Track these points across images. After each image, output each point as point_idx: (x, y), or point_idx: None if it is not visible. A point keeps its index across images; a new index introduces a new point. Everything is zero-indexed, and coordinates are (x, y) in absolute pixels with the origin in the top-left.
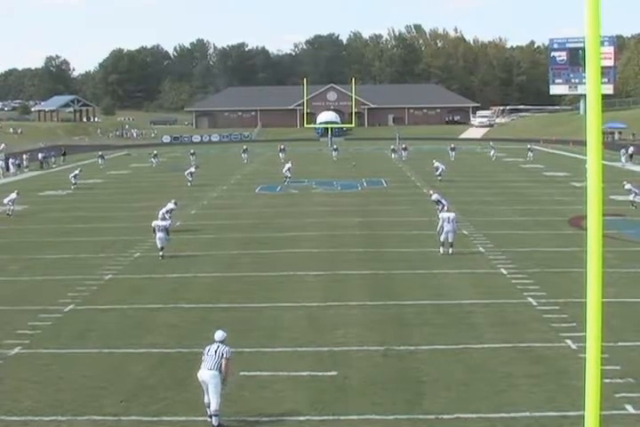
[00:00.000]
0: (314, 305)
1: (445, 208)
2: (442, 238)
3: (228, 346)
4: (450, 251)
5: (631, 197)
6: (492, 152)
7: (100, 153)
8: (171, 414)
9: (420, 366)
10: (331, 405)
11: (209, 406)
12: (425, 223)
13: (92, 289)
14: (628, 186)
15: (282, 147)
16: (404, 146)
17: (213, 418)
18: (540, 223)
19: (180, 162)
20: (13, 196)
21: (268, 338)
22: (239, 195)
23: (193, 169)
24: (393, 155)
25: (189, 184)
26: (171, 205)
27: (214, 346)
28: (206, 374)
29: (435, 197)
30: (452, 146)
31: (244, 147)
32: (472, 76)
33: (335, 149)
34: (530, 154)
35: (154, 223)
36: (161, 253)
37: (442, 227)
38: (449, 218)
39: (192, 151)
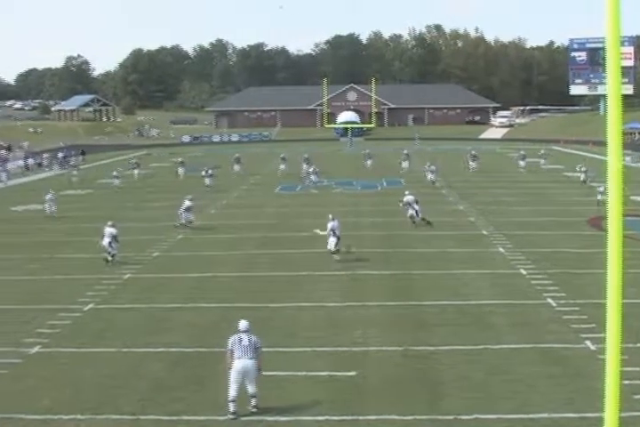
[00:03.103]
0: (333, 305)
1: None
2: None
3: (254, 335)
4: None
5: None
6: (522, 164)
7: (134, 161)
8: (189, 413)
9: (438, 366)
10: (349, 405)
11: (234, 401)
12: (444, 224)
13: (111, 288)
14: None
15: (282, 156)
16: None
17: (252, 400)
18: (560, 224)
19: (200, 161)
20: (50, 196)
21: (287, 338)
22: (259, 194)
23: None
24: (404, 163)
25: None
26: (188, 203)
27: (244, 336)
28: (249, 363)
29: (408, 198)
30: (474, 153)
31: (237, 155)
32: (492, 77)
33: (369, 157)
34: (542, 161)
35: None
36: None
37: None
38: (332, 227)
39: (237, 156)
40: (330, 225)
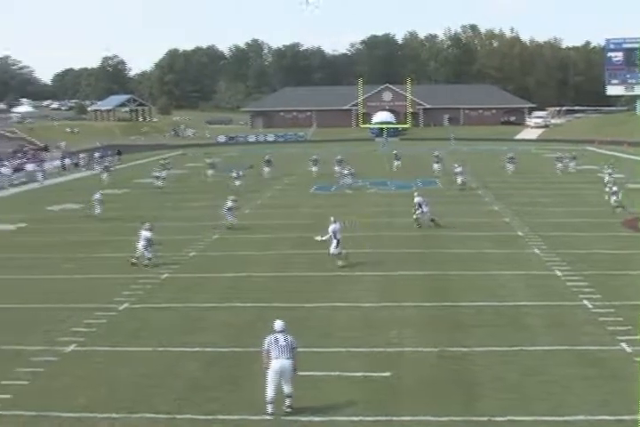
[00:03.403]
0: (368, 305)
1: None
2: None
3: (290, 335)
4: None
5: None
6: (568, 162)
7: (162, 162)
8: (224, 412)
9: (474, 367)
10: (384, 405)
11: (272, 402)
12: (480, 224)
13: (147, 288)
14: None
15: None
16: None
17: (287, 400)
18: (595, 225)
19: (235, 161)
20: (97, 196)
21: (322, 338)
22: (294, 194)
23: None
24: (435, 165)
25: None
26: (230, 203)
27: (280, 336)
28: (287, 363)
29: (417, 200)
30: (511, 156)
31: (267, 157)
32: (528, 77)
33: (397, 158)
34: (571, 164)
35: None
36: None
37: None
38: (333, 230)
39: (267, 158)
40: (331, 228)
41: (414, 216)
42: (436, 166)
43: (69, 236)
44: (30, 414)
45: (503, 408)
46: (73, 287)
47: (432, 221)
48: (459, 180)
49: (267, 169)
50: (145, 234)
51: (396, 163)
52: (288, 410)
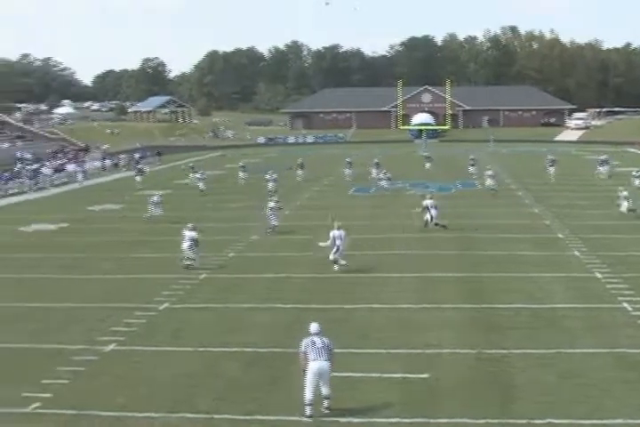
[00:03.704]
0: (406, 307)
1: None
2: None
3: (326, 337)
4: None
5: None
6: (602, 169)
7: (191, 165)
8: (263, 413)
9: (511, 369)
10: (421, 407)
11: (310, 404)
12: (520, 226)
13: (186, 288)
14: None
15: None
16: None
17: (326, 401)
18: (635, 227)
19: (273, 163)
20: (155, 199)
21: (361, 339)
22: (333, 196)
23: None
24: (470, 168)
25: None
26: (271, 204)
27: (316, 339)
28: (325, 364)
29: (427, 202)
30: (552, 158)
31: (300, 160)
32: (568, 78)
33: (428, 158)
34: (602, 169)
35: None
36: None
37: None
38: (334, 236)
39: (300, 161)
40: (332, 234)
41: (424, 218)
42: (471, 169)
43: (110, 236)
44: (70, 412)
45: (541, 411)
46: (113, 287)
47: (436, 224)
48: (488, 182)
49: (300, 172)
50: (189, 234)
51: (427, 164)
52: (326, 411)
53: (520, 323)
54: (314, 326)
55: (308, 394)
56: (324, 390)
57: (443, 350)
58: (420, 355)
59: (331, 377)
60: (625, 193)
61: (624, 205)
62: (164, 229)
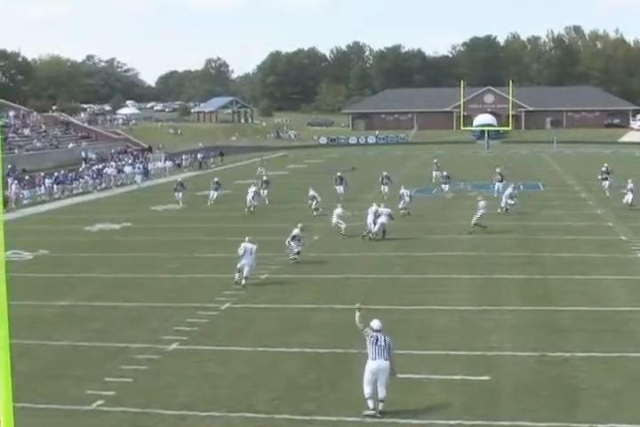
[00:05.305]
0: (467, 309)
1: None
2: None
3: (387, 335)
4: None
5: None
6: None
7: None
8: (322, 413)
9: (574, 373)
10: (482, 409)
11: (370, 398)
12: (582, 228)
13: (248, 288)
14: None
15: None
16: None
17: (380, 404)
18: None
19: (335, 163)
20: (253, 189)
21: (421, 341)
22: (395, 197)
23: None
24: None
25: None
26: (338, 210)
27: (379, 336)
28: (383, 364)
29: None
30: (605, 170)
31: (339, 174)
32: (632, 78)
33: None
34: (604, 183)
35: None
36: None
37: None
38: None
39: (339, 175)
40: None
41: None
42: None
43: (173, 235)
44: (133, 410)
45: (604, 415)
46: (176, 287)
47: (476, 225)
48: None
49: (340, 188)
50: (295, 231)
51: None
52: (378, 415)
53: (583, 326)
54: (376, 323)
55: (367, 389)
56: (381, 393)
57: (504, 353)
58: (481, 357)
59: (393, 378)
60: (631, 185)
61: (627, 197)
62: (226, 229)
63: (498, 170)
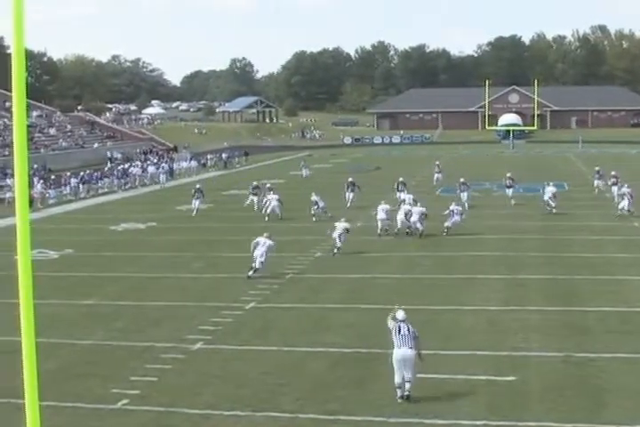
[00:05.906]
0: (493, 309)
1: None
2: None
3: (411, 324)
4: None
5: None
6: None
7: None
8: (347, 413)
9: (600, 374)
10: (508, 410)
11: (399, 387)
12: (608, 228)
13: (273, 288)
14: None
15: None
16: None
17: (407, 384)
18: None
19: (360, 163)
20: (275, 197)
21: (447, 341)
22: (420, 196)
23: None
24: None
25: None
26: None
27: (402, 325)
28: (408, 352)
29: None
30: (614, 175)
31: (351, 179)
32: None
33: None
34: (597, 182)
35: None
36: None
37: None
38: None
39: (350, 180)
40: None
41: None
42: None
43: (198, 235)
44: (158, 409)
45: (630, 417)
46: (201, 286)
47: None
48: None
49: (350, 195)
50: (342, 225)
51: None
52: (406, 393)
53: (609, 326)
54: (400, 313)
55: (397, 378)
56: (407, 375)
57: (530, 353)
58: (507, 357)
59: (420, 364)
60: (628, 190)
61: (623, 203)
62: (251, 229)
63: (508, 174)
